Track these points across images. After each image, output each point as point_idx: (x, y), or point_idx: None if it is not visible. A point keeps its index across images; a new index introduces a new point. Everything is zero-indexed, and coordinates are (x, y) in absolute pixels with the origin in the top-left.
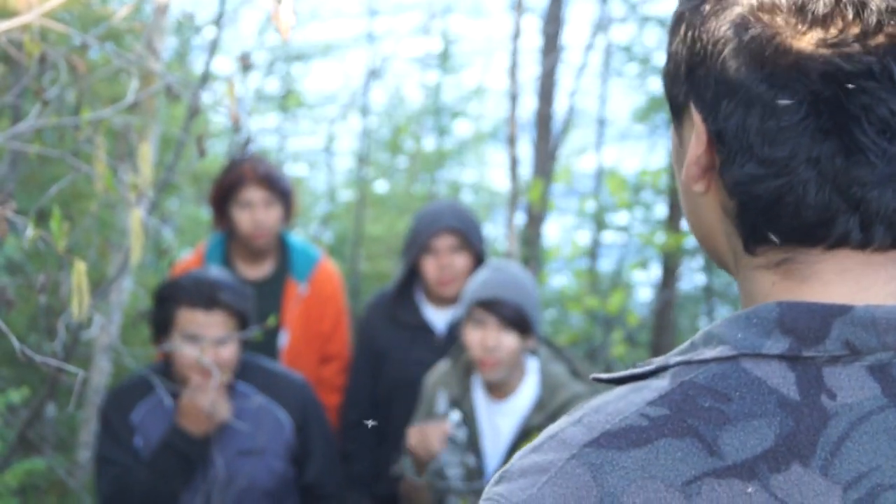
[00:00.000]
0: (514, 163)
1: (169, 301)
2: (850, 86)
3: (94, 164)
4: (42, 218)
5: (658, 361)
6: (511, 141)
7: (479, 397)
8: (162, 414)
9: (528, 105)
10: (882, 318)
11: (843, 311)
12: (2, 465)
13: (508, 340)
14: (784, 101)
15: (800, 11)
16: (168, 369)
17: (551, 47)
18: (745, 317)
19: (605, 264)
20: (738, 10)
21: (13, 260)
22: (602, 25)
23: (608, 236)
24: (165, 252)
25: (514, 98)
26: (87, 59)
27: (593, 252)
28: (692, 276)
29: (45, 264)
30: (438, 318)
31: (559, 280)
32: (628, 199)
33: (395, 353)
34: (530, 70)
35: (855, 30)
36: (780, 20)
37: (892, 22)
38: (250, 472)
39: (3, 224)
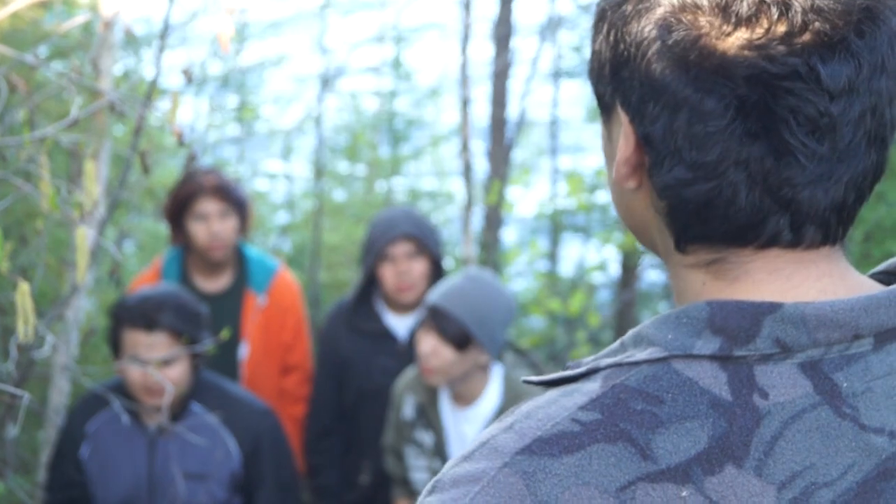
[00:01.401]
0: (468, 167)
1: (115, 321)
2: (776, 87)
3: (38, 184)
4: None
5: (588, 363)
6: (464, 146)
7: (445, 404)
8: (118, 426)
9: (482, 109)
10: (812, 314)
11: (772, 308)
12: None
13: (444, 352)
14: (710, 104)
15: (723, 12)
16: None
17: (502, 50)
18: (674, 317)
19: (565, 267)
20: (660, 10)
21: None
22: (551, 26)
23: (567, 239)
24: (115, 270)
25: (466, 103)
26: (33, 78)
27: (552, 254)
28: (651, 274)
29: None
30: (400, 324)
31: (519, 283)
32: (585, 200)
33: (358, 362)
34: (482, 73)
35: (780, 30)
36: (703, 21)
37: (817, 20)
38: (192, 495)
39: None
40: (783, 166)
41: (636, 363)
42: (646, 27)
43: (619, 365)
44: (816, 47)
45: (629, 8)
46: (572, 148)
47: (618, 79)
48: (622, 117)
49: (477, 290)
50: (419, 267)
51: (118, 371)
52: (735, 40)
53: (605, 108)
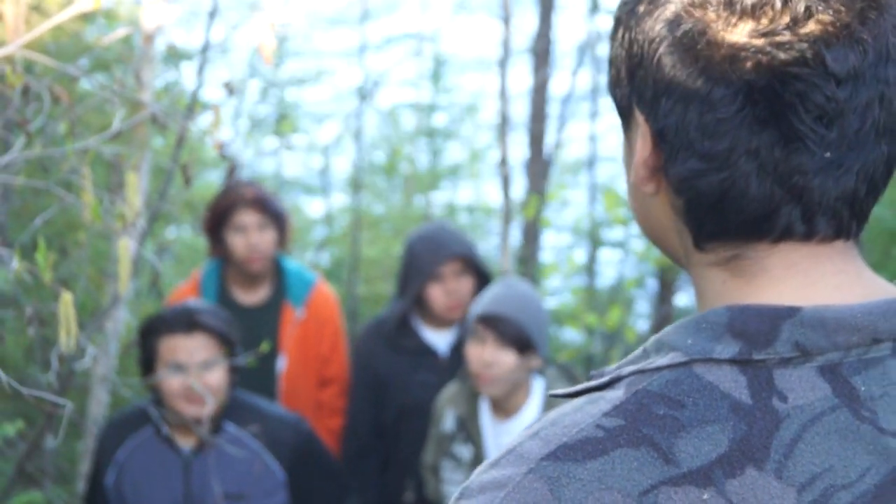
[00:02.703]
0: (506, 181)
1: (150, 334)
2: (783, 73)
3: (80, 195)
4: (32, 250)
5: (611, 372)
6: (503, 160)
7: (486, 417)
8: (149, 451)
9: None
10: (831, 318)
11: (791, 312)
12: (1, 499)
13: (506, 358)
14: (719, 93)
15: (729, 4)
16: (159, 404)
17: (541, 64)
18: (694, 322)
19: (603, 280)
20: (671, 7)
21: (4, 293)
22: (590, 42)
23: (605, 253)
24: (156, 281)
25: (504, 117)
26: (74, 90)
27: (590, 269)
28: (689, 289)
29: (37, 296)
30: (439, 340)
31: (557, 298)
32: (623, 214)
33: (398, 379)
34: (521, 88)
35: (785, 18)
36: (711, 14)
37: (820, 8)
38: None
39: None
40: (792, 153)
41: (658, 369)
42: (657, 25)
43: (641, 371)
44: (821, 34)
45: (641, 9)
46: (610, 161)
47: (633, 79)
48: (639, 118)
49: (524, 295)
50: (467, 285)
51: (152, 386)
52: (742, 29)
53: (625, 116)
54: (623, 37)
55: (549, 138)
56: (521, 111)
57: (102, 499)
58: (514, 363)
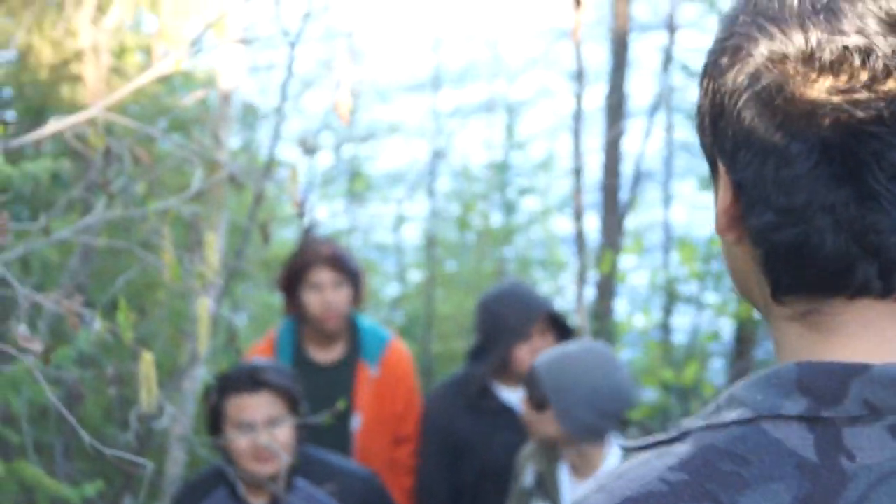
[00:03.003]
0: (581, 236)
1: (217, 394)
2: (860, 131)
3: (160, 255)
4: (112, 310)
5: (684, 426)
6: (577, 214)
7: (564, 475)
8: None
9: (594, 177)
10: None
11: (862, 370)
12: None
13: (525, 409)
14: (796, 148)
15: (808, 61)
16: (230, 463)
17: (615, 118)
18: (765, 378)
19: (679, 336)
20: (752, 61)
21: (85, 353)
22: (664, 95)
23: (680, 308)
24: (233, 339)
25: (578, 171)
26: (153, 150)
27: (665, 324)
28: (767, 344)
29: (117, 356)
30: (516, 398)
31: (632, 353)
32: (699, 268)
33: (479, 441)
34: (595, 142)
35: (863, 76)
36: (790, 69)
37: None
38: None
39: (74, 318)
40: (867, 211)
41: (726, 424)
42: (738, 77)
43: (710, 426)
44: None
45: (724, 61)
46: (685, 215)
47: (716, 130)
48: (721, 168)
49: (575, 360)
50: (551, 342)
51: (223, 447)
52: (821, 86)
53: (711, 163)
54: (708, 86)
55: (624, 192)
56: (595, 166)
57: None
58: (530, 417)
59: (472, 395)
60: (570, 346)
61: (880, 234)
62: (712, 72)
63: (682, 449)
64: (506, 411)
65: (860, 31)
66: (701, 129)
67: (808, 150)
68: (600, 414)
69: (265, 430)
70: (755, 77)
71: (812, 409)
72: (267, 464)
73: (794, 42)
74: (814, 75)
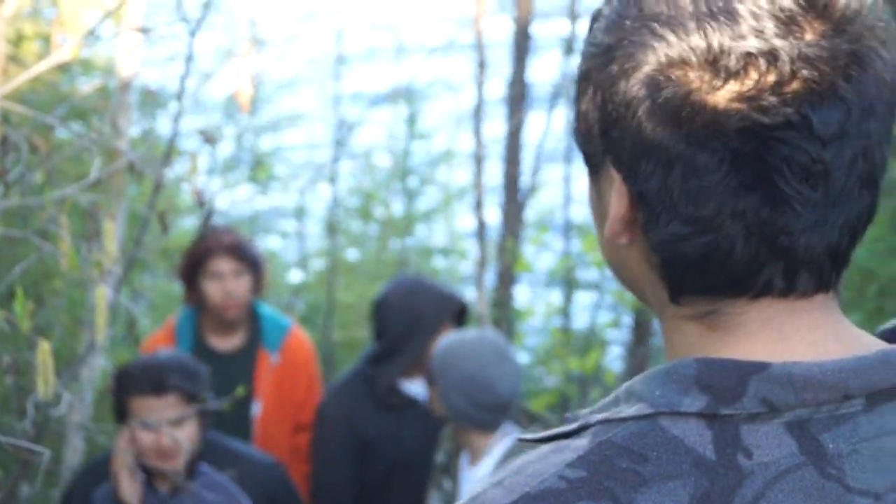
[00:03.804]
0: (482, 226)
1: (121, 391)
2: (769, 138)
3: (58, 244)
4: (9, 298)
5: (581, 419)
6: (478, 204)
7: (464, 458)
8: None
9: (496, 167)
10: (799, 375)
11: (759, 368)
12: None
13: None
14: (703, 159)
15: (712, 66)
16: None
17: (516, 107)
18: (664, 373)
19: (578, 323)
20: (646, 68)
21: None
22: (566, 84)
23: (581, 296)
24: (132, 329)
25: (479, 161)
26: (51, 139)
27: (566, 311)
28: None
29: (14, 345)
30: (417, 389)
31: (533, 340)
32: (599, 257)
33: (387, 438)
34: (496, 132)
35: (769, 80)
36: (692, 76)
37: (804, 68)
38: None
39: None
40: (778, 215)
41: (624, 420)
42: (633, 86)
43: (608, 421)
44: (806, 95)
45: (615, 68)
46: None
47: (608, 139)
48: (614, 175)
49: (462, 346)
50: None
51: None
52: (725, 93)
53: (594, 167)
54: (595, 95)
55: (525, 182)
56: (496, 156)
57: None
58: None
59: (381, 394)
60: (469, 333)
61: (791, 236)
62: (598, 80)
63: (579, 443)
64: (412, 404)
65: (759, 34)
66: (585, 137)
67: (718, 160)
68: (471, 402)
69: (169, 430)
70: (654, 86)
71: (711, 407)
72: (171, 461)
73: (694, 47)
74: (718, 83)
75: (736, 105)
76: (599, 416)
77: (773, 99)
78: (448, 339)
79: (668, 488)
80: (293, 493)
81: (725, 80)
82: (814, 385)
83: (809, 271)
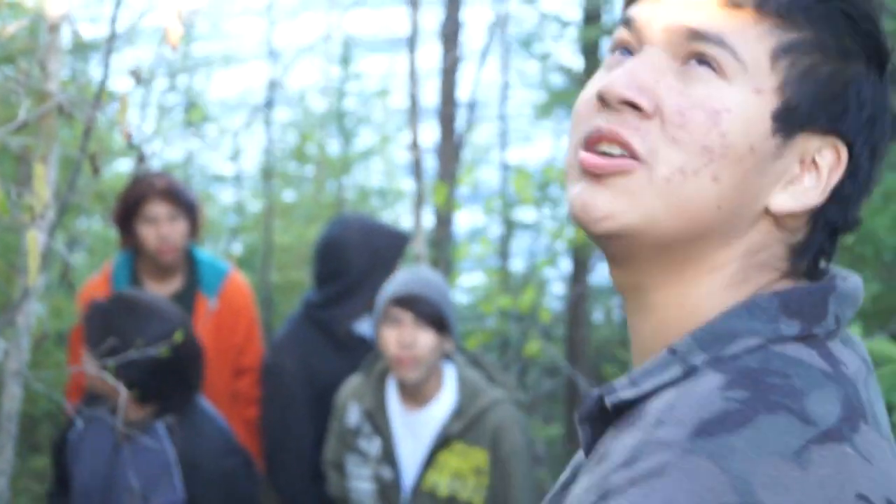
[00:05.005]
0: (417, 165)
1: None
2: None
3: None
4: None
5: (674, 367)
6: (413, 144)
7: (394, 407)
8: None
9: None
10: (850, 293)
11: (832, 288)
12: None
13: (425, 338)
14: None
15: None
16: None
17: (450, 47)
18: (746, 310)
19: (516, 263)
20: None
21: None
22: (500, 23)
23: (517, 235)
24: (66, 274)
25: (414, 100)
26: None
27: (503, 250)
28: (602, 268)
29: None
30: (366, 328)
31: (470, 279)
32: (535, 195)
33: (343, 379)
34: (430, 71)
35: None
36: None
37: None
38: None
39: None
40: None
41: (735, 356)
42: None
43: (717, 359)
44: None
45: None
46: (522, 140)
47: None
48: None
49: (429, 277)
50: None
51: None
52: None
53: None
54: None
55: (460, 121)
56: (431, 95)
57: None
58: (434, 343)
59: (340, 337)
60: (412, 272)
61: None
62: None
63: (711, 378)
64: (363, 343)
65: None
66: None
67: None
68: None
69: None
70: None
71: (805, 329)
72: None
73: None
74: None
75: None
76: (704, 357)
77: None
78: (413, 278)
79: (824, 395)
80: (243, 490)
81: None
82: (853, 304)
83: None
